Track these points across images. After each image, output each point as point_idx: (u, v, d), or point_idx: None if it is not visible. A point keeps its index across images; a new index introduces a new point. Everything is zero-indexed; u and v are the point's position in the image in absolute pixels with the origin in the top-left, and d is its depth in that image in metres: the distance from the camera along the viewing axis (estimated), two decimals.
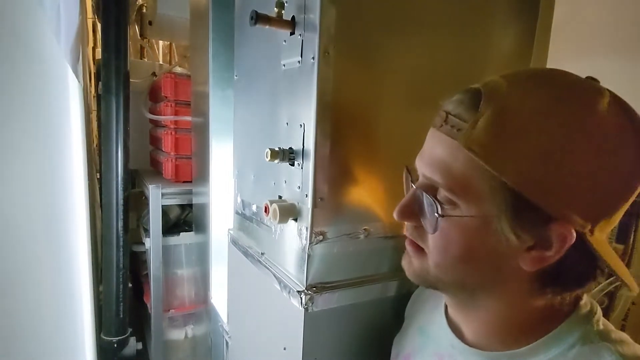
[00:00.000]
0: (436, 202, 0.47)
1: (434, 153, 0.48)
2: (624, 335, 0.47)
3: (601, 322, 0.49)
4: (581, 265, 0.45)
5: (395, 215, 0.52)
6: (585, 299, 0.51)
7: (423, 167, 0.50)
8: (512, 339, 0.50)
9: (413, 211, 0.51)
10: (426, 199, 0.49)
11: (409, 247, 0.54)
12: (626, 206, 0.45)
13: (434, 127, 0.49)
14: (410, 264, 0.55)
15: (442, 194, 0.47)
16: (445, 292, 0.55)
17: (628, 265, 1.15)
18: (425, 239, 0.51)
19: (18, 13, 0.93)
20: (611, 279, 1.12)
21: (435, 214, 0.47)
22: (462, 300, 0.54)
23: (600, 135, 0.42)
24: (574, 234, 0.42)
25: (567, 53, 1.26)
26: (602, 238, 0.44)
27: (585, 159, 0.42)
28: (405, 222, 0.53)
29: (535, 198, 0.41)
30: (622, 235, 1.16)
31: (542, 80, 0.46)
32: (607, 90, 0.44)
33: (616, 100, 0.44)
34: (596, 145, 0.42)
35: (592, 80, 0.46)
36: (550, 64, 0.88)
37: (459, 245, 0.47)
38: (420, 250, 0.52)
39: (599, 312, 0.50)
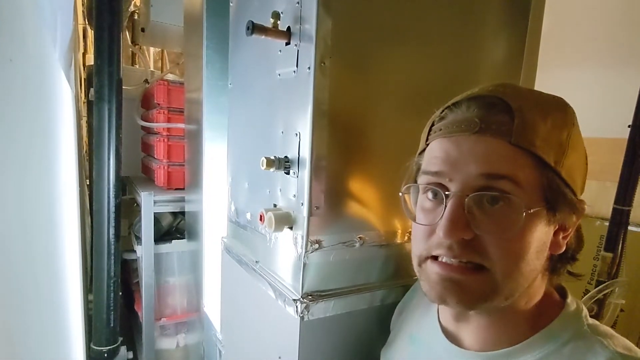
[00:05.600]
0: (513, 197, 0.45)
1: (481, 152, 0.47)
2: (610, 329, 0.49)
3: (589, 317, 0.51)
4: (576, 239, 0.53)
5: (445, 233, 0.46)
6: (570, 298, 0.53)
7: (470, 168, 0.47)
8: (505, 337, 0.51)
9: (466, 222, 0.46)
10: (491, 200, 0.46)
11: (456, 275, 0.47)
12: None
13: (464, 133, 0.48)
14: (465, 291, 0.47)
15: (496, 194, 0.45)
16: (496, 309, 0.50)
17: (617, 273, 1.17)
18: (485, 250, 0.46)
19: (19, 18, 0.93)
20: (600, 286, 1.13)
21: (523, 209, 0.45)
22: (494, 307, 0.49)
23: (579, 131, 0.50)
24: (586, 207, 0.49)
25: (555, 62, 1.28)
26: None
27: (579, 146, 0.50)
28: (447, 244, 0.47)
29: (571, 182, 0.48)
30: (610, 244, 1.18)
31: (528, 89, 0.53)
32: None
33: None
34: (580, 139, 0.50)
35: None
36: (539, 73, 0.90)
37: (530, 243, 0.46)
38: (476, 270, 0.47)
39: (585, 308, 0.52)
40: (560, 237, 0.50)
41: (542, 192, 0.47)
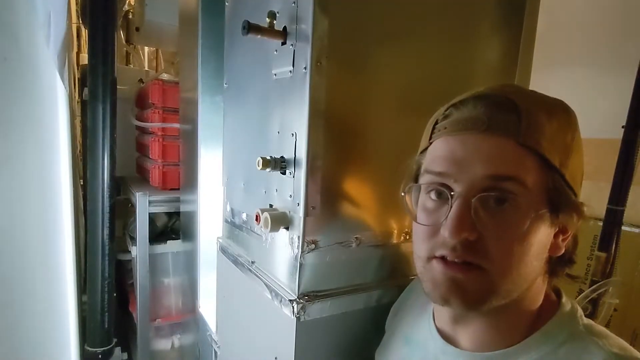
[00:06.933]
0: (520, 198, 0.45)
1: (488, 152, 0.46)
2: (605, 329, 0.50)
3: (583, 317, 0.51)
4: (573, 243, 0.52)
5: (451, 233, 0.45)
6: (564, 298, 0.53)
7: (476, 169, 0.46)
8: (501, 338, 0.51)
9: (472, 223, 0.45)
10: (498, 200, 0.45)
11: (456, 274, 0.47)
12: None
13: (471, 131, 0.47)
14: (465, 291, 0.47)
15: (502, 195, 0.45)
16: (493, 309, 0.49)
17: (610, 273, 1.17)
18: (486, 251, 0.46)
19: (12, 17, 0.92)
20: (595, 286, 1.14)
21: (532, 211, 0.45)
22: (494, 308, 0.48)
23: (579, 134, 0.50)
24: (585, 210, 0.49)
25: (549, 62, 1.29)
26: None
27: (580, 149, 0.50)
28: (451, 244, 0.46)
29: (573, 184, 0.48)
30: (604, 243, 1.19)
31: (532, 90, 0.53)
32: None
33: None
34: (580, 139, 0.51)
35: None
36: (533, 73, 0.91)
37: (532, 245, 0.46)
38: (474, 269, 0.47)
39: (580, 308, 0.53)
40: (560, 239, 0.50)
41: (546, 194, 0.47)
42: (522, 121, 0.46)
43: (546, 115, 0.47)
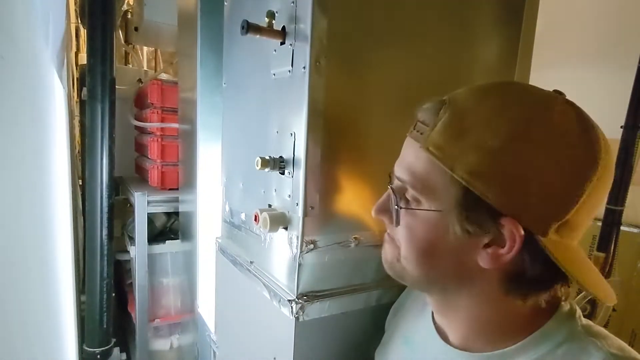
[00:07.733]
0: (397, 197, 0.52)
1: (405, 156, 0.54)
2: (604, 330, 0.49)
3: (582, 317, 0.51)
4: (540, 267, 0.46)
5: (372, 212, 0.57)
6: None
7: (397, 169, 0.54)
8: (499, 338, 0.51)
9: (387, 208, 0.55)
10: (392, 196, 0.53)
11: (386, 237, 0.58)
12: (584, 209, 0.44)
13: (408, 134, 0.54)
14: (385, 252, 0.58)
15: (410, 192, 0.51)
16: (416, 287, 0.61)
17: (609, 273, 1.18)
18: (396, 232, 0.55)
19: (10, 16, 0.92)
20: None
21: (395, 207, 0.52)
22: (439, 299, 0.57)
23: (546, 136, 0.44)
24: (522, 232, 0.43)
25: (548, 62, 1.29)
26: (561, 241, 0.45)
27: (530, 158, 0.43)
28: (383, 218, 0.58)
29: (482, 193, 0.44)
30: (603, 243, 1.19)
31: (498, 88, 0.52)
32: (563, 98, 0.47)
33: (569, 106, 0.47)
34: (542, 146, 0.44)
35: (556, 92, 0.48)
36: (533, 73, 0.91)
37: (420, 239, 0.51)
38: (391, 241, 0.56)
39: (578, 309, 0.52)
40: (499, 251, 0.45)
41: (454, 197, 0.46)
42: (435, 126, 0.48)
43: (480, 119, 0.45)
